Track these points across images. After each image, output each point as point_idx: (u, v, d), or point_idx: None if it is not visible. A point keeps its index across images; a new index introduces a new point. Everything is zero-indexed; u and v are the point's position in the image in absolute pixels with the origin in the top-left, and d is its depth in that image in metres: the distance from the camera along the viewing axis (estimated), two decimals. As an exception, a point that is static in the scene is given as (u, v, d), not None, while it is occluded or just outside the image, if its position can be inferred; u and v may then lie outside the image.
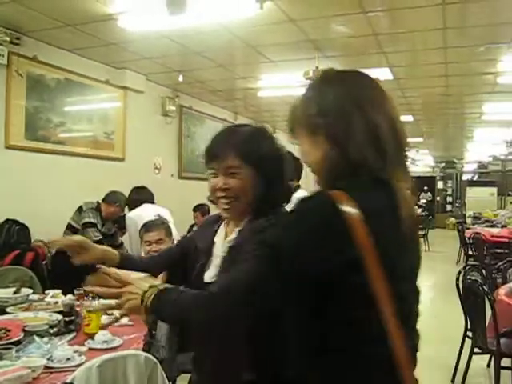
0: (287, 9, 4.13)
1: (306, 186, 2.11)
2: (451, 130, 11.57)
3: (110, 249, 1.53)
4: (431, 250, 12.05)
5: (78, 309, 2.53)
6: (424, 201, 19.71)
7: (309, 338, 1.02)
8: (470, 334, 3.66)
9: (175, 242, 3.07)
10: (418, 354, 1.07)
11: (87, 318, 2.33)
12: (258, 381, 1.22)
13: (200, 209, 6.03)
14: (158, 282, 1.17)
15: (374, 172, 1.01)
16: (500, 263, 5.00)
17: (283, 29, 4.57)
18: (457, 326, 3.84)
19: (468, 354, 3.56)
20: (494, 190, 16.70)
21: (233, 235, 1.37)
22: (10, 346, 1.95)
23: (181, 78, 6.34)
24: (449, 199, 20.98)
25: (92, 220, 4.40)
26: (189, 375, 1.65)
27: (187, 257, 1.51)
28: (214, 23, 4.34)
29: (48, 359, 1.93)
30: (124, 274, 1.21)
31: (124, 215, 4.65)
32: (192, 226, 6.01)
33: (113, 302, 1.15)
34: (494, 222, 10.40)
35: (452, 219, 17.54)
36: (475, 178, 19.61)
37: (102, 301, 2.86)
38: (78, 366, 1.87)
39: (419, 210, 16.70)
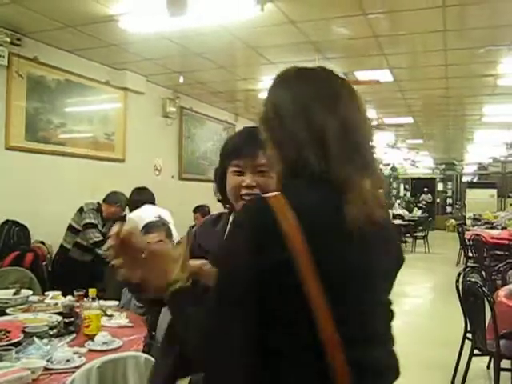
0: (288, 10, 4.13)
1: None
2: (451, 131, 11.58)
3: None
4: (431, 252, 12.07)
5: (77, 310, 2.53)
6: (424, 202, 19.74)
7: (257, 338, 0.97)
8: (469, 335, 3.65)
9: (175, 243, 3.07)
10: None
11: (87, 319, 2.33)
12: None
13: (200, 210, 6.03)
14: (185, 272, 1.08)
15: (316, 172, 0.99)
16: (500, 265, 5.00)
17: (284, 30, 4.58)
18: (456, 328, 3.84)
19: (468, 355, 3.55)
20: (494, 191, 16.69)
21: None
22: (9, 347, 1.95)
23: (181, 80, 6.34)
24: (449, 201, 20.95)
25: (93, 221, 4.42)
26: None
27: (191, 253, 1.50)
28: (214, 25, 4.34)
29: (48, 361, 1.93)
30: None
31: (125, 215, 4.66)
32: (192, 228, 6.01)
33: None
34: (494, 224, 10.38)
35: (452, 221, 17.54)
36: (475, 180, 19.57)
37: (102, 302, 2.87)
38: (78, 367, 1.87)
39: (419, 212, 16.74)
